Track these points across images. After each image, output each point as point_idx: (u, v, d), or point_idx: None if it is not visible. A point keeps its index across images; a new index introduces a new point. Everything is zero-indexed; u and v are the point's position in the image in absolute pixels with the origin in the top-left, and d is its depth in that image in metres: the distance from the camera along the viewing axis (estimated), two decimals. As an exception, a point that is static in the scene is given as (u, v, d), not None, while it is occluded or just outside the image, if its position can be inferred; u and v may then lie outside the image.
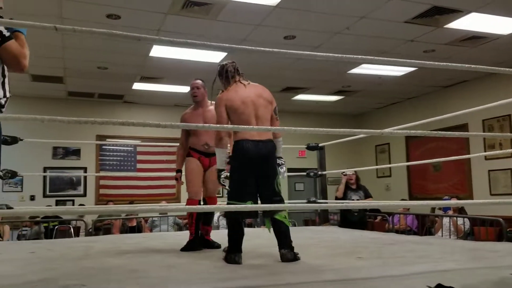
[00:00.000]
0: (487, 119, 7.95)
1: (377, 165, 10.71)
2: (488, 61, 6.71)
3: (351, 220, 6.03)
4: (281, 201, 2.86)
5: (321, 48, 6.43)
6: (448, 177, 9.20)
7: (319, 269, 2.38)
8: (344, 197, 6.15)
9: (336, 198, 6.28)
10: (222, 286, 1.90)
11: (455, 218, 6.03)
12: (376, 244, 3.64)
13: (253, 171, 2.81)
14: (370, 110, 11.32)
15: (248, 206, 2.64)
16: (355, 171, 6.41)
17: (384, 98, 10.09)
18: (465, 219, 6.05)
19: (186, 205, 3.57)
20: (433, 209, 7.87)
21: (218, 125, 2.89)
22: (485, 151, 7.89)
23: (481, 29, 5.90)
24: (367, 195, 6.33)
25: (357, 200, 6.08)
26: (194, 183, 3.59)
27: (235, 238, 2.77)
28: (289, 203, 5.20)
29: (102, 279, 2.15)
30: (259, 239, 3.48)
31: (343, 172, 6.34)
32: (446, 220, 6.12)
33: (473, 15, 5.45)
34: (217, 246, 3.48)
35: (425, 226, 7.26)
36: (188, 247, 3.39)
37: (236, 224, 2.81)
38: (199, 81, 3.80)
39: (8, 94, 1.99)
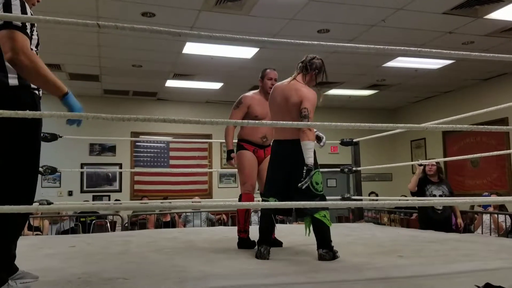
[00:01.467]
0: (530, 112, 7.63)
1: (412, 161, 10.47)
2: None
3: (434, 218, 5.03)
4: (321, 199, 2.80)
5: (356, 41, 6.29)
6: (486, 173, 8.90)
7: (360, 267, 2.32)
8: (422, 191, 5.13)
9: (411, 193, 5.32)
10: (263, 282, 1.88)
11: (495, 215, 5.83)
12: (416, 242, 3.55)
13: (283, 170, 2.81)
14: (405, 104, 11.06)
15: (283, 203, 2.63)
16: (437, 162, 5.39)
17: (420, 92, 9.83)
18: (506, 216, 5.84)
19: (240, 200, 3.34)
20: (472, 206, 7.62)
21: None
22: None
23: (523, 19, 5.65)
24: (451, 192, 5.29)
25: (440, 196, 5.03)
26: (250, 176, 3.29)
27: (264, 230, 2.81)
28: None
29: (144, 274, 2.18)
30: (294, 236, 3.45)
31: (419, 164, 5.37)
32: (486, 217, 5.92)
33: (515, 4, 5.22)
34: (280, 243, 3.24)
35: (464, 223, 7.05)
36: (245, 245, 3.22)
37: (267, 216, 2.83)
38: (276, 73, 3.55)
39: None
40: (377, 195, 9.22)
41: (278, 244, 3.24)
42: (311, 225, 2.75)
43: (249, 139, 3.37)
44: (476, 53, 2.49)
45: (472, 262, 2.40)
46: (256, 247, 2.82)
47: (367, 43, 6.19)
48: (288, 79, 3.00)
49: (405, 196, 8.39)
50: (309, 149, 2.69)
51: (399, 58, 7.40)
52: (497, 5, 5.23)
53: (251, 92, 3.55)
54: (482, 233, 5.58)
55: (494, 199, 5.05)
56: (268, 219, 2.84)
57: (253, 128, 3.33)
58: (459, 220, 5.44)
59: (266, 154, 3.34)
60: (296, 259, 2.69)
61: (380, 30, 5.98)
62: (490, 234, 5.47)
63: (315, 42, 2.21)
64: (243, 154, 3.35)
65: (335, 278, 1.95)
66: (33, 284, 1.89)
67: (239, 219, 3.36)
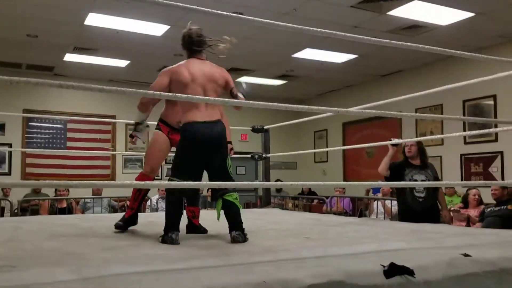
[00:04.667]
0: (420, 108, 8.32)
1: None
2: (423, 52, 6.98)
3: (414, 209, 4.25)
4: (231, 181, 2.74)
5: (266, 29, 6.32)
6: (380, 163, 9.56)
7: (272, 249, 2.31)
8: (400, 176, 4.34)
9: (385, 178, 4.59)
10: (172, 266, 1.76)
11: (384, 200, 6.31)
12: (320, 226, 3.66)
13: (203, 152, 2.70)
14: (311, 97, 11.47)
15: (193, 183, 2.56)
16: (420, 142, 4.52)
17: (325, 85, 10.26)
18: (395, 201, 6.32)
19: (136, 180, 3.16)
20: (367, 193, 8.18)
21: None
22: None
23: (422, 18, 6.10)
24: (437, 179, 4.56)
25: (422, 181, 4.30)
26: (155, 157, 3.15)
27: (173, 216, 2.64)
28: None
29: (34, 262, 1.93)
30: (204, 221, 3.35)
31: (391, 139, 4.57)
32: (378, 204, 6.40)
33: (415, 3, 5.60)
34: (204, 230, 3.08)
35: (359, 208, 7.55)
36: (125, 223, 3.09)
37: (176, 202, 2.70)
38: None
39: None
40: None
41: (203, 231, 3.09)
42: (222, 209, 2.69)
43: (166, 121, 3.22)
44: (396, 42, 2.58)
45: (374, 244, 2.50)
46: (163, 234, 2.64)
47: (278, 32, 6.26)
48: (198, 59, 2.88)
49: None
50: None
51: (307, 50, 7.61)
52: (399, 2, 5.56)
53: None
54: (377, 217, 5.97)
55: (385, 183, 5.41)
56: (178, 205, 2.71)
57: (172, 109, 3.18)
58: (445, 212, 4.52)
59: None
60: (208, 243, 2.60)
61: (291, 20, 6.05)
62: (384, 218, 5.87)
63: (235, 15, 2.12)
64: (155, 133, 3.20)
65: (248, 260, 1.89)
66: None
67: (131, 196, 3.20)
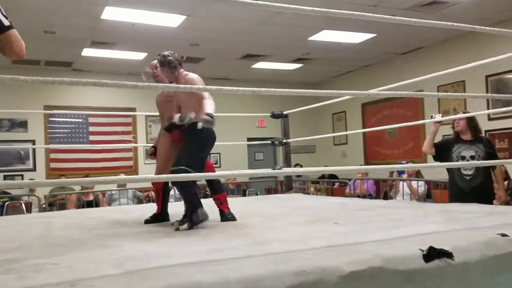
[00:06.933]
0: (442, 85, 8.16)
1: (334, 132, 10.85)
2: (443, 28, 6.82)
3: (461, 187, 3.88)
4: None
5: (282, 13, 6.25)
6: (402, 143, 9.48)
7: (304, 236, 2.31)
8: (448, 153, 3.99)
9: (433, 157, 4.20)
10: (210, 257, 1.78)
11: (410, 181, 6.22)
12: (346, 210, 3.64)
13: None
14: (327, 79, 11.35)
15: (208, 174, 3.01)
16: (471, 117, 3.99)
17: (342, 66, 10.13)
18: (421, 182, 6.25)
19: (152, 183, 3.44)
20: (391, 174, 8.09)
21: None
22: (439, 117, 8.12)
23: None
24: (492, 154, 3.89)
25: (471, 158, 3.86)
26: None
27: (194, 198, 2.96)
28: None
29: (74, 258, 1.97)
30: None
31: (432, 116, 4.22)
32: (402, 184, 6.33)
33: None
34: (232, 218, 3.14)
35: (383, 190, 7.49)
36: (153, 220, 3.24)
37: (191, 189, 2.99)
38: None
39: None
40: (301, 167, 9.46)
41: (231, 218, 3.15)
42: None
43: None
44: (417, 19, 2.52)
45: (407, 227, 2.48)
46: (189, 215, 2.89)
47: (292, 15, 6.18)
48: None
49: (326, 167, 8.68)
50: None
51: (324, 32, 7.50)
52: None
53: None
54: (403, 198, 5.92)
55: (409, 166, 5.34)
56: (193, 190, 3.01)
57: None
58: (500, 192, 3.98)
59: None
60: (238, 231, 2.62)
61: (307, 2, 5.94)
62: (411, 200, 5.81)
63: (250, 1, 2.09)
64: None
65: (283, 249, 1.90)
66: None
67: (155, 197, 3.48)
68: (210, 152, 3.31)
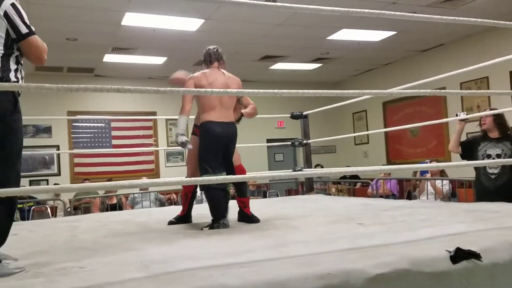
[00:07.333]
0: (465, 82, 8.00)
1: (354, 132, 10.75)
2: (464, 24, 6.69)
3: (486, 186, 3.78)
4: None
5: (300, 14, 6.23)
6: (425, 142, 9.32)
7: (328, 238, 2.29)
8: (475, 152, 3.89)
9: (461, 156, 4.09)
10: (234, 260, 1.78)
11: (435, 180, 6.10)
12: (370, 211, 3.60)
13: (220, 145, 3.13)
14: (347, 78, 11.26)
15: (230, 177, 2.89)
16: (498, 114, 3.82)
17: (362, 65, 10.03)
18: (445, 181, 6.12)
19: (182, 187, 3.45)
20: (414, 174, 7.96)
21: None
22: (463, 115, 7.97)
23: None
24: None
25: (497, 156, 3.73)
26: (194, 162, 3.31)
27: (218, 205, 2.99)
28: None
29: (100, 261, 2.00)
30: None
31: (457, 114, 4.06)
32: (427, 183, 6.21)
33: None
34: (256, 220, 3.15)
35: (407, 190, 7.37)
36: (178, 221, 3.30)
37: (217, 194, 3.01)
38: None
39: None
40: (322, 168, 9.40)
41: (255, 220, 3.17)
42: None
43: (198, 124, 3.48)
44: (437, 16, 2.48)
45: (433, 228, 2.44)
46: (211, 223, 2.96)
47: (311, 16, 6.15)
48: (217, 69, 3.27)
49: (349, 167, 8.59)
50: None
51: (343, 31, 7.44)
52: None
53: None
54: (427, 198, 5.82)
55: (434, 165, 5.21)
56: (218, 195, 3.02)
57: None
58: None
59: None
60: (261, 233, 2.62)
61: (326, 2, 5.92)
62: (435, 199, 5.71)
63: (269, 3, 2.08)
64: (192, 139, 3.39)
65: (307, 251, 1.89)
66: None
67: (182, 199, 3.51)
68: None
